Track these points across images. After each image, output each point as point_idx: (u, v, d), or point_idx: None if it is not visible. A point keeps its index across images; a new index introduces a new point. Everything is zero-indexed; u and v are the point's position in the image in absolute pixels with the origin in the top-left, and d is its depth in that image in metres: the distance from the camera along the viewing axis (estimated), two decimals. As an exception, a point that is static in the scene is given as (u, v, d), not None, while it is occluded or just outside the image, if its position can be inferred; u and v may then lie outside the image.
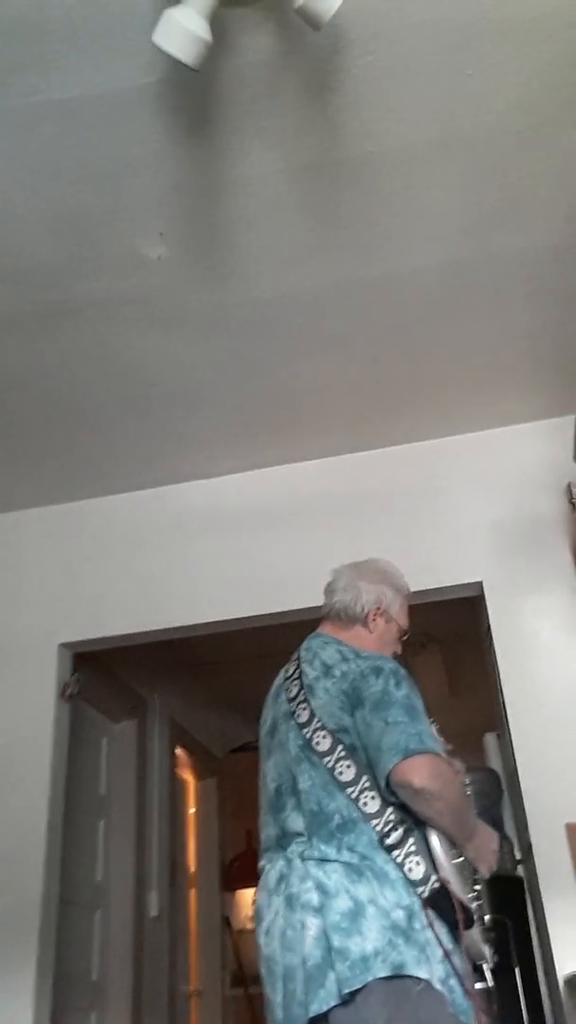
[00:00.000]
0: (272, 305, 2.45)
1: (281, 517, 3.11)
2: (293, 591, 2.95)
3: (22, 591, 3.20)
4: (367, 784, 1.66)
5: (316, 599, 2.92)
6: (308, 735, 1.75)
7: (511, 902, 2.67)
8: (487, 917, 2.69)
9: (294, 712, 1.82)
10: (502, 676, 2.70)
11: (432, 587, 2.84)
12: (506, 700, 2.67)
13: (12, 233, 2.16)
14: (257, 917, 1.73)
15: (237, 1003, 4.80)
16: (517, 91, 1.88)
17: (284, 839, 1.73)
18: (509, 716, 2.64)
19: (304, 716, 1.78)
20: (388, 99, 1.88)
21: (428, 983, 1.50)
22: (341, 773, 1.68)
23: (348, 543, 2.97)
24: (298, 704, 1.81)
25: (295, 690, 1.85)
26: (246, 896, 5.54)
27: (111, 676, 3.68)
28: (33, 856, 2.78)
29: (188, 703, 4.70)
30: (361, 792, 1.66)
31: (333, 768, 1.69)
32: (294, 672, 1.90)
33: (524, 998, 2.60)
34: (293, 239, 2.23)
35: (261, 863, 1.80)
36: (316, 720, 1.75)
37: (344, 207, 2.15)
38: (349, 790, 1.67)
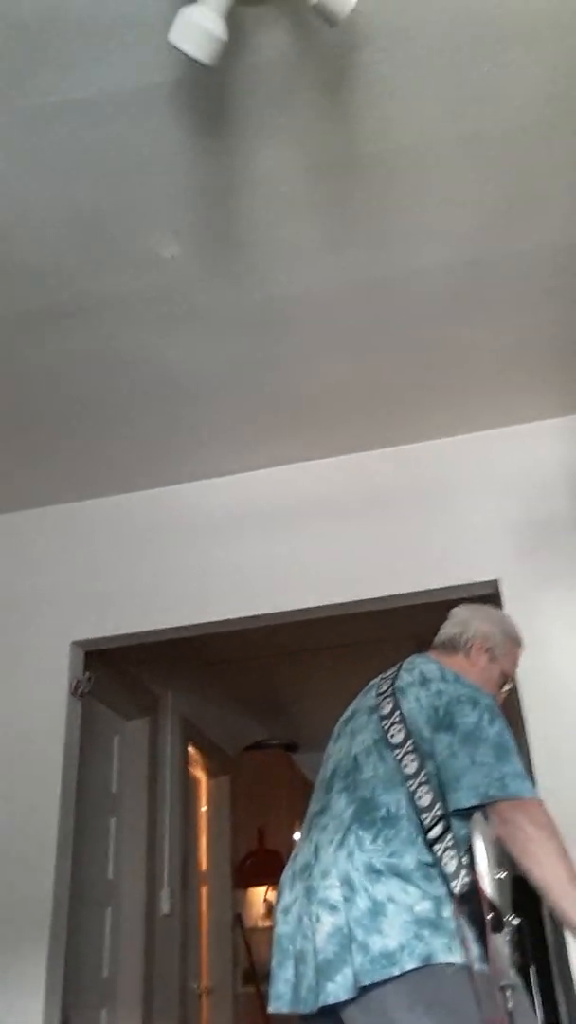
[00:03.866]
0: (287, 303, 2.45)
1: (296, 515, 3.11)
2: (307, 589, 2.96)
3: (35, 588, 3.21)
4: (424, 779, 1.71)
5: (330, 597, 2.95)
6: (386, 727, 1.81)
7: (526, 902, 2.66)
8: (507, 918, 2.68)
9: (379, 705, 1.88)
10: (518, 675, 2.69)
11: (447, 585, 2.84)
12: (522, 699, 2.66)
13: (26, 232, 2.16)
14: (279, 892, 1.79)
15: (248, 1001, 4.80)
16: (534, 88, 1.87)
17: (322, 816, 1.79)
18: (526, 715, 2.63)
19: (387, 709, 1.85)
20: (404, 96, 1.87)
21: (462, 966, 1.50)
22: (406, 766, 1.73)
23: (363, 541, 2.99)
24: (384, 698, 1.88)
25: (386, 686, 1.92)
26: (257, 894, 5.56)
27: (123, 674, 3.68)
28: (44, 853, 2.78)
29: (200, 701, 4.70)
30: (419, 785, 1.70)
31: (401, 760, 1.75)
32: (392, 673, 1.96)
33: (539, 997, 2.59)
34: (308, 237, 2.23)
35: (298, 842, 1.87)
36: (398, 714, 1.81)
37: (359, 205, 2.14)
38: (409, 783, 1.71)
